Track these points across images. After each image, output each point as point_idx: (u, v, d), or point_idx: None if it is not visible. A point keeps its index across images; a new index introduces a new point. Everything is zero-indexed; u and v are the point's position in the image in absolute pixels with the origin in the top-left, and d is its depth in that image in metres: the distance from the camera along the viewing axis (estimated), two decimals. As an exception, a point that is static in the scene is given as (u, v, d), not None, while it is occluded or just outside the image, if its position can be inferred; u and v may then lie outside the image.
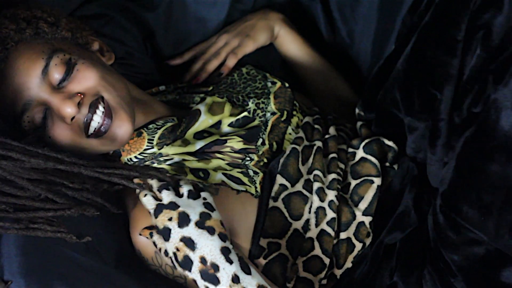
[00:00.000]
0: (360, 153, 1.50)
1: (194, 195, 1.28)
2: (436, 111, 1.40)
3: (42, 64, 1.33)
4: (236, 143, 1.44)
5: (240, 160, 1.43)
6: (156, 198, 1.28)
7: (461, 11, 1.37)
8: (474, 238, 1.31)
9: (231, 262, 1.24)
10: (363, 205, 1.43)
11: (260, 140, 1.47)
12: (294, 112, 1.56)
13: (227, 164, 1.42)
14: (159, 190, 1.28)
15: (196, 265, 1.24)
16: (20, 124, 1.34)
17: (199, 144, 1.43)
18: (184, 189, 1.29)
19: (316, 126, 1.54)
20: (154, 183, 1.29)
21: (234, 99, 1.55)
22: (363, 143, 1.50)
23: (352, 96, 1.75)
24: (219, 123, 1.48)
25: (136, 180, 1.28)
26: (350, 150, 1.51)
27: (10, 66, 1.33)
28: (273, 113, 1.53)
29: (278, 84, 1.60)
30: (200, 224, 1.25)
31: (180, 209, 1.26)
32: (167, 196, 1.27)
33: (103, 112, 1.33)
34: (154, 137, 1.43)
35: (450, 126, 1.39)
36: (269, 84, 1.60)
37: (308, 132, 1.52)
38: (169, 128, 1.44)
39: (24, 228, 1.20)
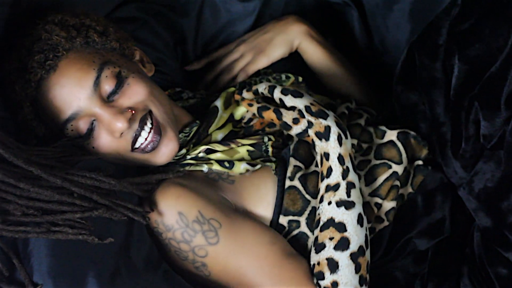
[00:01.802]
0: (391, 136, 1.50)
1: None
2: (434, 115, 1.43)
3: (93, 75, 1.33)
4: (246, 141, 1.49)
5: (261, 140, 1.47)
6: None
7: (442, 16, 1.44)
8: None
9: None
10: (373, 186, 1.45)
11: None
12: None
13: (249, 155, 1.45)
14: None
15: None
16: (63, 130, 1.35)
17: (220, 136, 1.48)
18: None
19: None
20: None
21: (247, 85, 1.60)
22: (399, 130, 1.50)
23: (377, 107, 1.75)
24: (231, 115, 1.52)
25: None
26: (381, 128, 1.52)
27: (60, 74, 1.34)
28: None
29: (292, 79, 1.63)
30: None
31: None
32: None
33: (150, 128, 1.35)
34: (182, 144, 1.45)
35: (457, 134, 1.41)
36: (283, 78, 1.63)
37: None
38: (195, 133, 1.47)
39: (45, 232, 1.21)
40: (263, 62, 1.67)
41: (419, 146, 1.50)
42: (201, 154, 1.44)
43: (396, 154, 1.47)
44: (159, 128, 1.36)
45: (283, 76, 1.64)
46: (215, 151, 1.44)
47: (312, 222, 1.39)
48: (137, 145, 1.35)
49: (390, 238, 1.43)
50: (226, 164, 1.42)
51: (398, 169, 1.46)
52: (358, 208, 1.36)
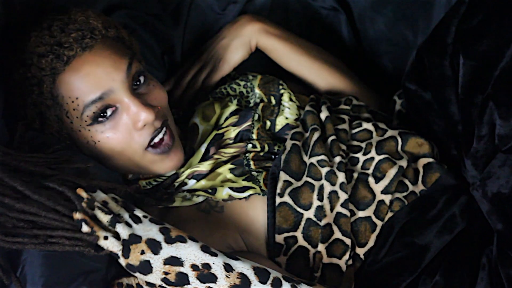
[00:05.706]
0: (392, 133, 1.50)
1: (136, 218, 1.26)
2: (449, 114, 1.44)
3: (127, 62, 1.35)
4: (232, 132, 1.49)
5: (242, 154, 1.46)
6: (116, 236, 1.23)
7: (451, 15, 1.46)
8: None
9: (216, 255, 1.24)
10: (383, 183, 1.43)
11: (256, 116, 1.51)
12: (282, 91, 1.58)
13: (232, 173, 1.45)
14: (112, 225, 1.23)
15: (192, 275, 1.23)
16: (82, 112, 1.32)
17: (203, 147, 1.48)
18: (126, 217, 1.25)
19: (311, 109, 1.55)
20: (103, 218, 1.23)
21: (219, 95, 1.62)
22: (401, 130, 1.50)
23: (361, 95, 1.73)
24: (217, 122, 1.53)
25: (84, 229, 1.21)
26: (382, 126, 1.51)
27: (96, 54, 1.33)
28: (262, 101, 1.57)
29: (259, 76, 1.63)
30: (169, 240, 1.24)
31: (144, 237, 1.24)
32: (123, 230, 1.23)
33: (165, 132, 1.37)
34: None
35: (467, 132, 1.41)
36: (250, 77, 1.63)
37: (308, 121, 1.53)
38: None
39: (42, 243, 1.20)
40: (225, 69, 1.67)
41: (421, 142, 1.49)
42: (186, 180, 1.44)
43: (394, 151, 1.47)
44: (173, 135, 1.39)
45: (250, 76, 1.64)
46: (200, 176, 1.44)
47: (310, 234, 1.39)
48: (156, 140, 1.36)
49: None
50: (209, 190, 1.42)
51: (402, 162, 1.45)
52: None
